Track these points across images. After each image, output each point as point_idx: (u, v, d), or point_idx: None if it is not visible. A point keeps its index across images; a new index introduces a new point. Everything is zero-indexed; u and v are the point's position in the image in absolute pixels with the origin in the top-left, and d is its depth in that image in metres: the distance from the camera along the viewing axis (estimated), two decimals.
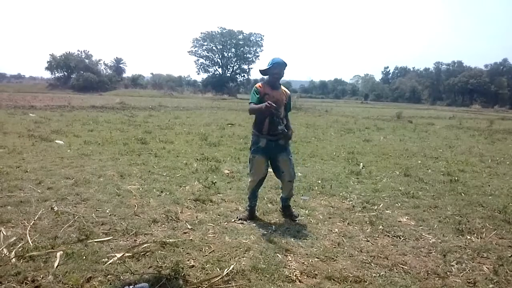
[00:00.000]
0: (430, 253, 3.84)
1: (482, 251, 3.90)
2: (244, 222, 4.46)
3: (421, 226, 4.61)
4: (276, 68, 4.37)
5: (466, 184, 6.73)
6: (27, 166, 6.58)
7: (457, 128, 19.24)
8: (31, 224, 4.02)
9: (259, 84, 4.52)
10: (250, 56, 74.76)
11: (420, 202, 5.54)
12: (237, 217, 4.58)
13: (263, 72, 4.47)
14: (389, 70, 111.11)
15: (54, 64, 59.01)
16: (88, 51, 65.46)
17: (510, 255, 3.82)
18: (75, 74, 57.47)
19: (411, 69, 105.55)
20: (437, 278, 3.30)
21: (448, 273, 3.40)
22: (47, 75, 63.15)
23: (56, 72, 60.05)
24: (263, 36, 75.39)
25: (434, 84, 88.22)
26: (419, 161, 8.95)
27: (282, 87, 4.56)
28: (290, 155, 4.60)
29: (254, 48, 74.53)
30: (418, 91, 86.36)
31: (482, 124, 22.75)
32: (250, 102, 4.42)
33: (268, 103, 4.06)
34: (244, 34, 73.27)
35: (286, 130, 4.40)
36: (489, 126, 20.96)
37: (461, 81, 78.17)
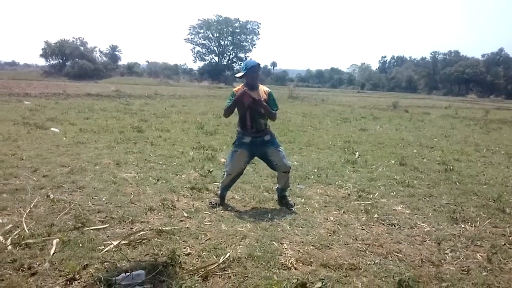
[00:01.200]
0: (425, 241, 3.87)
1: (476, 239, 3.94)
2: (215, 206, 4.53)
3: (416, 214, 4.64)
4: (250, 72, 4.41)
5: (461, 173, 6.77)
6: (23, 153, 6.56)
7: (453, 118, 19.30)
8: (27, 211, 4.02)
9: (236, 88, 4.56)
10: (246, 44, 74.45)
11: (415, 191, 5.57)
12: (210, 202, 4.63)
13: (240, 77, 4.50)
14: (386, 60, 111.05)
15: (49, 51, 58.43)
16: (83, 38, 64.91)
17: (503, 243, 3.87)
18: (70, 62, 56.93)
19: (408, 59, 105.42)
20: (431, 266, 3.33)
21: (442, 261, 3.44)
22: (42, 62, 62.60)
23: (51, 60, 59.55)
24: (260, 24, 75.32)
25: (430, 73, 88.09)
26: (415, 151, 8.99)
27: (261, 87, 4.58)
28: (278, 147, 4.62)
29: (251, 36, 74.19)
30: (414, 80, 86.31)
31: (477, 113, 22.82)
32: (225, 106, 4.49)
33: (245, 89, 4.28)
34: (241, 22, 72.84)
35: (267, 127, 4.55)
36: (485, 115, 21.04)
37: (457, 71, 78.08)
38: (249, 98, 4.34)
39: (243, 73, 4.45)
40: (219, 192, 4.77)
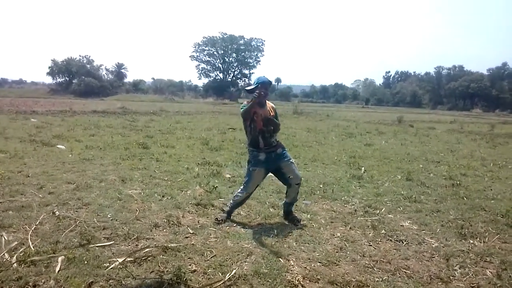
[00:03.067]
0: (433, 257, 3.82)
1: (485, 255, 3.88)
2: (221, 223, 4.51)
3: (423, 230, 4.59)
4: (262, 88, 4.42)
5: (468, 188, 6.71)
6: (29, 171, 6.59)
7: (459, 132, 19.22)
8: (33, 229, 4.01)
9: (247, 100, 4.59)
10: (251, 61, 75.05)
11: (422, 206, 5.52)
12: (216, 218, 4.62)
13: (249, 91, 4.53)
14: (390, 75, 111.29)
15: (56, 69, 59.17)
16: (90, 56, 65.60)
17: None
18: (77, 79, 57.56)
19: (412, 74, 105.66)
20: (440, 283, 3.28)
21: (451, 277, 3.39)
22: (49, 80, 63.27)
23: (57, 77, 60.20)
24: (264, 41, 75.95)
25: (435, 88, 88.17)
26: (421, 165, 8.93)
27: (267, 102, 4.63)
28: (290, 159, 4.67)
29: (255, 53, 74.82)
30: (419, 95, 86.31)
31: (483, 128, 22.73)
32: (242, 108, 4.54)
33: (257, 92, 4.27)
34: (245, 39, 73.56)
35: (277, 141, 4.61)
36: (491, 130, 20.94)
37: (462, 85, 78.07)
38: (260, 121, 4.44)
39: (253, 87, 4.46)
40: (229, 208, 4.73)
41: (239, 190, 4.71)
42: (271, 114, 4.54)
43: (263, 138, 4.50)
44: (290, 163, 4.61)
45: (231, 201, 4.76)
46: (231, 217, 4.72)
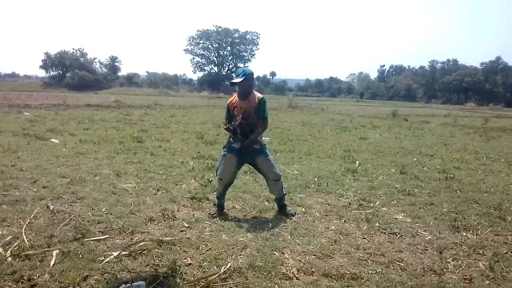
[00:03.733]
0: (426, 250, 3.86)
1: (478, 247, 3.92)
2: (215, 217, 4.52)
3: (417, 223, 4.62)
4: (246, 81, 4.42)
5: (462, 182, 6.76)
6: (22, 164, 6.55)
7: (452, 126, 19.32)
8: (27, 223, 4.00)
9: (229, 100, 4.70)
10: (246, 54, 74.99)
11: (416, 200, 5.56)
12: (209, 213, 4.63)
13: (232, 84, 4.56)
14: (385, 68, 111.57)
15: (49, 62, 58.79)
16: (83, 50, 65.33)
17: (505, 251, 3.85)
18: (70, 73, 57.26)
19: (407, 67, 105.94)
20: (433, 275, 3.31)
21: (444, 269, 3.42)
22: (42, 73, 62.98)
23: (51, 71, 59.90)
24: (259, 34, 75.80)
25: (429, 82, 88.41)
26: (415, 159, 8.98)
27: (255, 93, 4.58)
28: (268, 156, 4.61)
29: (250, 47, 74.74)
30: (413, 89, 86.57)
31: (477, 122, 22.86)
32: (226, 120, 4.66)
33: (229, 127, 4.52)
34: (240, 33, 73.40)
35: (252, 139, 4.51)
36: (484, 124, 21.08)
37: (456, 79, 78.39)
38: (240, 114, 4.49)
39: (240, 80, 4.39)
40: (216, 202, 4.78)
41: None
42: (254, 106, 4.47)
43: (242, 131, 4.50)
44: (267, 160, 4.56)
45: (214, 194, 4.86)
46: (225, 210, 4.75)
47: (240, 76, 4.41)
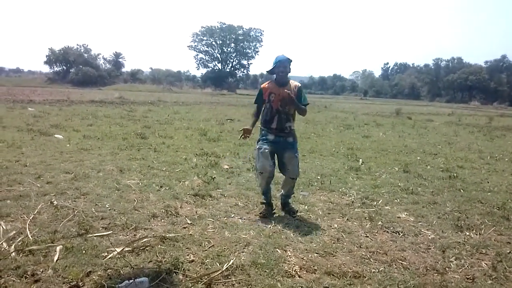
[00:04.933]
0: (429, 249, 3.85)
1: (481, 247, 3.91)
2: (266, 216, 4.46)
3: (420, 222, 4.62)
4: (280, 66, 4.42)
5: (465, 181, 6.74)
6: (26, 160, 6.58)
7: (456, 125, 19.26)
8: (31, 218, 4.02)
9: (264, 84, 4.64)
10: (249, 51, 74.72)
11: (419, 198, 5.55)
12: (259, 213, 4.54)
13: (269, 72, 4.54)
14: (389, 66, 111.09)
15: (53, 58, 58.80)
16: (87, 45, 65.30)
17: (508, 251, 3.83)
18: (74, 69, 57.24)
19: (411, 65, 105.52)
20: (436, 274, 3.31)
21: (447, 269, 3.42)
22: (46, 69, 63.06)
23: (55, 66, 59.87)
24: (263, 31, 75.68)
25: (433, 80, 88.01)
26: (418, 157, 8.96)
27: (291, 82, 4.57)
28: (296, 152, 4.57)
29: (254, 44, 74.47)
30: (417, 87, 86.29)
31: (481, 120, 22.78)
32: (254, 102, 4.70)
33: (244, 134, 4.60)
34: (244, 29, 73.16)
35: (291, 129, 4.56)
36: (488, 122, 21.00)
37: (460, 78, 77.99)
38: (278, 101, 4.42)
39: (273, 67, 4.44)
40: (263, 199, 4.68)
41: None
42: (292, 94, 4.38)
43: (279, 119, 4.44)
44: (294, 156, 4.50)
45: (260, 190, 4.76)
46: (274, 208, 4.73)
47: (275, 63, 4.44)
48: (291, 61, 4.52)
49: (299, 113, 4.60)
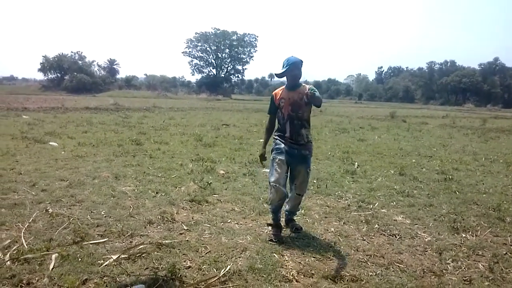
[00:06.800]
0: (426, 251, 3.86)
1: (477, 249, 3.92)
2: (276, 241, 3.95)
3: (416, 224, 4.63)
4: (292, 69, 3.98)
5: (461, 183, 6.77)
6: (21, 168, 6.54)
7: (451, 127, 19.35)
8: (26, 226, 3.99)
9: (275, 91, 4.25)
10: (244, 56, 74.95)
11: (415, 201, 5.56)
12: (268, 239, 4.01)
13: (279, 75, 4.08)
14: (383, 70, 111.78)
15: (47, 65, 58.67)
16: (82, 52, 65.22)
17: (505, 252, 3.85)
18: (69, 76, 57.13)
19: (405, 69, 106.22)
20: (433, 276, 3.31)
21: (444, 271, 3.42)
22: (40, 76, 62.89)
23: (49, 74, 59.73)
24: (257, 36, 75.70)
25: (427, 83, 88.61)
26: (414, 160, 8.99)
27: (303, 85, 4.04)
28: (309, 168, 4.14)
29: (248, 49, 74.68)
30: (411, 90, 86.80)
31: (475, 123, 22.91)
32: (268, 113, 4.28)
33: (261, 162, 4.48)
34: (238, 35, 73.39)
35: (307, 140, 4.12)
36: (482, 124, 21.13)
37: (454, 81, 78.58)
38: (288, 106, 4.00)
39: (283, 71, 3.99)
40: (272, 218, 4.20)
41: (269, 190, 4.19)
42: (304, 98, 3.94)
43: (291, 125, 4.01)
44: (306, 172, 4.08)
45: (269, 208, 4.33)
46: (283, 229, 4.25)
47: (286, 65, 3.98)
48: (302, 62, 4.07)
49: (316, 104, 3.91)
